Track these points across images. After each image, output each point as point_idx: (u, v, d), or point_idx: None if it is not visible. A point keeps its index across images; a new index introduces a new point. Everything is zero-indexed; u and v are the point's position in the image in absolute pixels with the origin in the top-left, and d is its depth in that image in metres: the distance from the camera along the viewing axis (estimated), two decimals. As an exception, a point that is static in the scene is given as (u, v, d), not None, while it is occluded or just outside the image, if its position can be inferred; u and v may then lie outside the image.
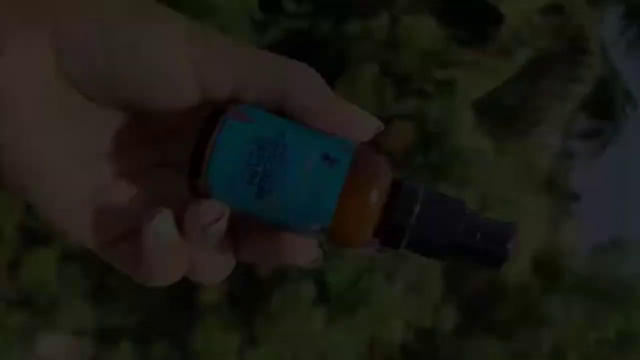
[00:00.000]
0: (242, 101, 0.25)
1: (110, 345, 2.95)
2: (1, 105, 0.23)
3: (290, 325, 2.87)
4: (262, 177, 0.23)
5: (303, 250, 0.26)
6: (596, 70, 3.49)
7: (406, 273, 3.04)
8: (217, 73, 0.24)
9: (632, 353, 3.47)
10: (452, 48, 3.29)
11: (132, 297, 2.85)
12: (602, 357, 3.39)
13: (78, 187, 0.25)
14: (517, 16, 3.66)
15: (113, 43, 0.23)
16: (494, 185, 2.65)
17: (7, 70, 0.23)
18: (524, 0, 3.66)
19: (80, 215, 0.25)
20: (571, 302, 3.35)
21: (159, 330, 2.96)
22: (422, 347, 3.35)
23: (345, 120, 0.25)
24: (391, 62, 3.00)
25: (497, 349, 3.32)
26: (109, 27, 0.23)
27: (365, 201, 0.24)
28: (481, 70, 3.29)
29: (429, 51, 3.04)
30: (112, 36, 0.23)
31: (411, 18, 3.00)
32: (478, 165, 2.67)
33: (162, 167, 0.27)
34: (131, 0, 0.25)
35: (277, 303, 2.87)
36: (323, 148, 0.24)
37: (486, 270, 0.26)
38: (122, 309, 2.86)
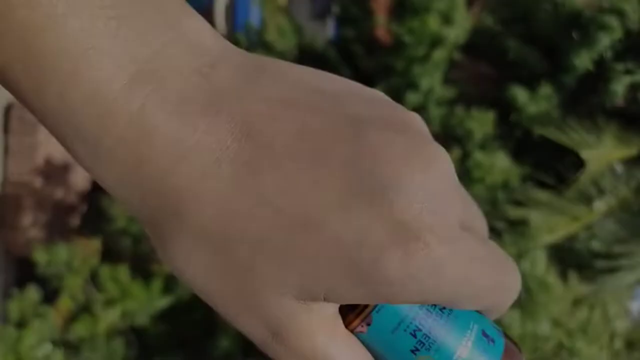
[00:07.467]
0: None
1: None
2: None
3: None
4: (425, 335, 0.25)
5: None
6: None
7: None
8: None
9: None
10: (527, 188, 3.20)
11: None
12: None
13: None
14: (598, 163, 3.55)
15: None
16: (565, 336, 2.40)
17: None
18: (607, 147, 3.57)
19: None
20: None
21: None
22: None
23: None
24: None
25: None
26: None
27: None
28: (558, 214, 3.15)
29: (501, 188, 2.96)
30: None
31: (484, 154, 2.97)
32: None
33: None
34: None
35: None
36: (481, 324, 0.26)
37: None
38: None
